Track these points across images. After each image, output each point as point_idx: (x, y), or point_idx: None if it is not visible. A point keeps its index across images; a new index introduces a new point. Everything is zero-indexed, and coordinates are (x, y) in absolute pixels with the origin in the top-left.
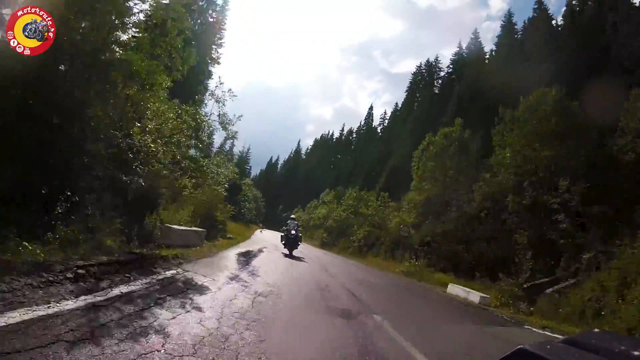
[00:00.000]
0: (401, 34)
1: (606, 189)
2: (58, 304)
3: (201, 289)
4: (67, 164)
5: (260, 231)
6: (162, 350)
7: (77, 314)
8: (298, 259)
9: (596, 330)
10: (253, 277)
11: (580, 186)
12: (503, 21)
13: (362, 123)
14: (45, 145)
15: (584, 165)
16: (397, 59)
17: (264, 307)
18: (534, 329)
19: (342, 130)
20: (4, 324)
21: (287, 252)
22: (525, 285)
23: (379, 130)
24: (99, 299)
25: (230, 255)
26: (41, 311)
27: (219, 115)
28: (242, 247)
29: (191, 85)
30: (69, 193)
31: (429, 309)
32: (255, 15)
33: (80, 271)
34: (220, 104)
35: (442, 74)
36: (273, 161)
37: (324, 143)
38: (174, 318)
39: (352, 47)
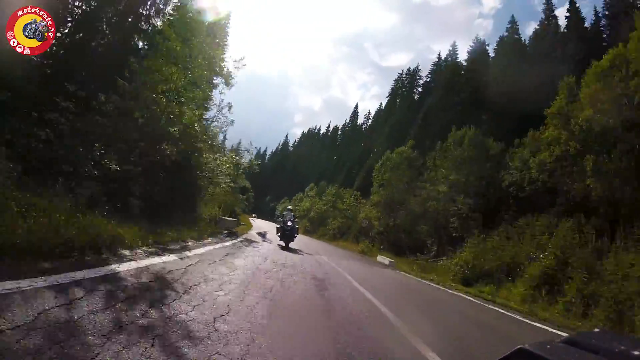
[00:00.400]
0: (393, 27)
1: (490, 201)
2: (228, 242)
3: (256, 243)
4: (194, 193)
5: (253, 220)
6: (260, 253)
7: (233, 245)
8: (295, 251)
9: (596, 330)
10: (270, 241)
11: (470, 200)
12: (472, 44)
13: (348, 121)
14: (189, 187)
15: (484, 185)
16: (388, 51)
17: (280, 251)
18: (401, 272)
19: (329, 126)
20: (227, 244)
21: (284, 245)
22: (429, 260)
23: (363, 128)
24: (234, 241)
25: (254, 233)
26: (228, 243)
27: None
28: (255, 230)
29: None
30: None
31: (353, 260)
32: (248, 2)
33: (224, 234)
34: (250, 155)
35: (421, 81)
36: (261, 152)
37: (311, 137)
38: (255, 248)
39: (344, 38)
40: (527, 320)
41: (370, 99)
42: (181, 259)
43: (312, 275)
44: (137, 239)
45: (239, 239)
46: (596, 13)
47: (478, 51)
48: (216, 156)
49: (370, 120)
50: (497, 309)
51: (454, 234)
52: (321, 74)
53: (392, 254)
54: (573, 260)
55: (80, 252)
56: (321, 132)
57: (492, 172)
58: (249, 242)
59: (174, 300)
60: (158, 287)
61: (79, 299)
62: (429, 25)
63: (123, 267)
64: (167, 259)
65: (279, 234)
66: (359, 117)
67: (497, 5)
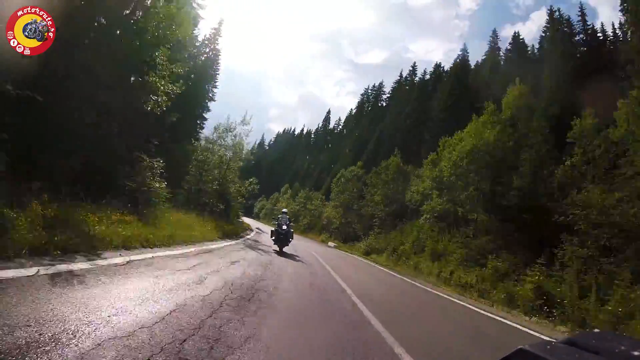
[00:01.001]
0: (370, 25)
1: (401, 209)
2: (254, 232)
3: (261, 233)
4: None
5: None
6: (264, 238)
7: (256, 233)
8: (291, 257)
9: (596, 330)
10: (266, 233)
11: (388, 208)
12: (420, 77)
13: (320, 125)
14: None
15: (399, 198)
16: (365, 49)
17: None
18: (338, 249)
19: (303, 129)
20: (254, 233)
21: (278, 249)
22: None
23: (336, 131)
24: (254, 232)
25: (255, 229)
26: (253, 233)
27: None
28: (254, 226)
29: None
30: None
31: (314, 244)
32: None
33: (247, 230)
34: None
35: (385, 96)
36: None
37: (286, 137)
38: (263, 234)
39: (321, 34)
40: (377, 266)
41: (346, 95)
42: (252, 236)
43: (291, 246)
44: (236, 230)
45: (254, 232)
46: (541, 45)
47: (433, 75)
48: (237, 186)
49: (340, 126)
50: (370, 262)
51: (375, 230)
52: (297, 70)
53: (341, 242)
54: (416, 243)
55: (233, 235)
56: (296, 132)
57: (405, 189)
58: (258, 232)
59: (260, 242)
60: (256, 241)
61: (244, 241)
62: (405, 25)
63: (246, 237)
64: (249, 237)
65: (273, 238)
66: (331, 121)
67: (474, 7)
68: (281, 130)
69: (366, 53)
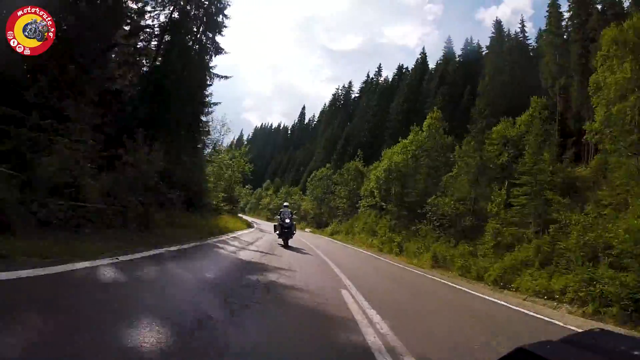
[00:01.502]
0: (344, 10)
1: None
2: (256, 225)
3: (260, 224)
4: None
5: None
6: (264, 227)
7: (255, 225)
8: (297, 249)
9: (597, 330)
10: (260, 224)
11: (349, 201)
12: (383, 81)
13: (296, 121)
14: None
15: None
16: (338, 35)
17: (267, 222)
18: (312, 233)
19: (280, 124)
20: (256, 226)
21: (282, 243)
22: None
23: (312, 125)
24: (255, 225)
25: (251, 221)
26: (256, 225)
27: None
28: (248, 219)
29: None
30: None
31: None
32: None
33: (249, 222)
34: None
35: (354, 96)
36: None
37: (263, 132)
38: (259, 226)
39: (294, 21)
40: (334, 240)
41: (321, 82)
42: (257, 227)
43: None
44: (249, 223)
45: (255, 225)
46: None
47: (397, 76)
48: (238, 190)
49: (314, 122)
50: (331, 239)
51: (339, 218)
52: (271, 58)
53: (315, 227)
54: (363, 227)
55: (250, 225)
56: (273, 126)
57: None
58: (257, 224)
59: (264, 229)
60: (261, 229)
61: (255, 229)
62: (379, 9)
63: (255, 227)
64: (256, 226)
65: (277, 232)
66: (306, 116)
67: None
68: (259, 125)
69: (340, 39)
